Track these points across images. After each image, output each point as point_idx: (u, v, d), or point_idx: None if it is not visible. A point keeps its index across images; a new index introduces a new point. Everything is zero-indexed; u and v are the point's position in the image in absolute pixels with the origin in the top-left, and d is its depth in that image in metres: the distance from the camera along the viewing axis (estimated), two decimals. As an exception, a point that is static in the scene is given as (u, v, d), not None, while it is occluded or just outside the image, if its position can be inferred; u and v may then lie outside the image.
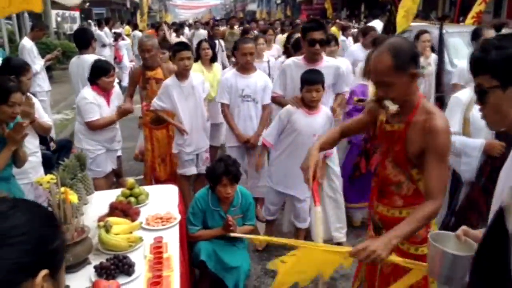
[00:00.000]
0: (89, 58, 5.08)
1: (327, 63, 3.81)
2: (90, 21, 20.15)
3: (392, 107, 2.00)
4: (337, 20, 13.98)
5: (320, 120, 3.57)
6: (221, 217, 3.16)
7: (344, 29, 12.24)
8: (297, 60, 3.89)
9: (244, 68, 4.29)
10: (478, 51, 1.40)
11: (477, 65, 1.40)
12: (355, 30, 12.98)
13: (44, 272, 0.92)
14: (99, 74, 4.04)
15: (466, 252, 1.50)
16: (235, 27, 12.44)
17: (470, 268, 1.36)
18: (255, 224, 3.47)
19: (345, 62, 4.97)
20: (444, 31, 5.79)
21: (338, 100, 3.93)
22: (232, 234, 2.86)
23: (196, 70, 4.91)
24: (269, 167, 3.99)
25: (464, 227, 1.58)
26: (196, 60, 5.26)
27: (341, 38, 11.82)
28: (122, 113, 4.17)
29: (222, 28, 12.98)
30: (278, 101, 4.00)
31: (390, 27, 7.29)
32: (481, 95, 1.39)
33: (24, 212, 0.96)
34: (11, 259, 0.88)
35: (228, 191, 3.10)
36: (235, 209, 3.24)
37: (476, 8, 7.72)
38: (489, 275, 1.19)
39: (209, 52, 5.30)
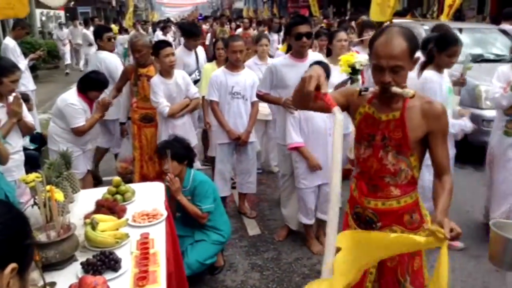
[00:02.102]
0: (107, 55, 5.35)
1: (312, 57, 3.85)
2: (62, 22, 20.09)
3: (410, 92, 1.98)
4: (324, 20, 14.05)
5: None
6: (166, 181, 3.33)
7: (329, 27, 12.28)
8: (283, 58, 3.93)
9: (233, 65, 4.31)
10: None
11: None
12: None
13: (13, 265, 0.93)
14: (93, 87, 4.05)
15: None
16: (226, 25, 12.44)
17: None
18: (206, 212, 3.37)
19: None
20: (427, 27, 5.88)
21: None
22: (178, 197, 3.25)
23: (210, 70, 4.89)
24: (295, 170, 3.84)
25: None
26: (211, 60, 5.27)
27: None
28: (102, 107, 4.16)
29: (205, 26, 12.98)
30: (264, 99, 4.05)
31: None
32: None
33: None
34: None
35: (164, 166, 3.31)
36: (185, 190, 3.37)
37: (448, 0, 7.72)
38: None
39: (223, 52, 5.10)
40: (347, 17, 13.84)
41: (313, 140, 3.69)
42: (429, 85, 3.49)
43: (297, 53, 3.77)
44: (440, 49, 3.53)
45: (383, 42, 1.96)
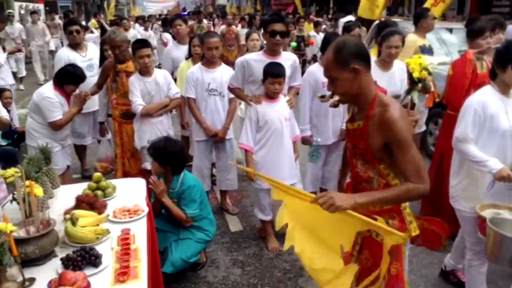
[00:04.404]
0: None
1: (285, 56, 3.92)
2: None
3: (330, 101, 2.06)
4: (310, 16, 14.08)
5: (283, 105, 3.77)
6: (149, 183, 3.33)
7: (316, 25, 12.33)
8: (256, 54, 3.96)
9: (210, 62, 4.30)
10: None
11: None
12: (325, 26, 13.12)
13: None
14: (69, 81, 3.99)
15: None
16: (204, 21, 12.34)
17: None
18: (190, 217, 3.38)
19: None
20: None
21: (293, 92, 4.10)
22: (163, 199, 3.27)
23: (185, 68, 4.80)
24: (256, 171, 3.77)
25: None
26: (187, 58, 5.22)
27: (311, 33, 11.97)
28: (80, 100, 4.11)
29: (191, 22, 12.84)
30: (235, 93, 4.09)
31: (363, 23, 7.38)
32: None
33: None
34: None
35: (153, 170, 3.41)
36: (172, 192, 3.38)
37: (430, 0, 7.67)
38: None
39: (199, 49, 4.99)
40: (329, 16, 13.91)
41: (271, 142, 3.70)
42: None
43: (270, 51, 3.83)
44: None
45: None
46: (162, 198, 3.27)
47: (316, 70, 4.09)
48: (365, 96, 2.04)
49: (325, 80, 3.92)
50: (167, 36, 10.27)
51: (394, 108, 1.98)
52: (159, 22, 16.00)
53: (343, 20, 9.80)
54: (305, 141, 4.22)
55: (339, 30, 9.53)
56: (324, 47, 4.06)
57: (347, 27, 5.64)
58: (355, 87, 2.01)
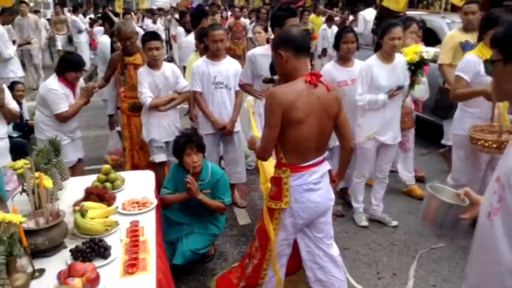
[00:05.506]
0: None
1: None
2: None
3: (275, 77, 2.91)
4: (319, 7, 13.70)
5: None
6: (186, 182, 3.23)
7: (328, 19, 11.88)
8: (264, 49, 3.92)
9: (215, 55, 4.26)
10: (499, 28, 1.56)
11: (493, 39, 1.56)
12: (338, 18, 12.79)
13: None
14: (69, 68, 3.96)
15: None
16: (217, 14, 12.22)
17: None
18: (228, 204, 3.47)
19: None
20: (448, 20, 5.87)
21: None
22: (199, 197, 3.20)
23: (194, 61, 4.65)
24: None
25: (467, 189, 1.84)
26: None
27: (322, 27, 11.69)
28: (88, 93, 4.10)
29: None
30: (245, 89, 4.07)
31: (384, 12, 7.27)
32: (488, 66, 1.57)
33: None
34: None
35: (194, 159, 3.24)
36: (203, 183, 3.33)
37: None
38: None
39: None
40: (337, 8, 13.64)
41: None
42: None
43: None
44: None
45: None
46: (199, 196, 3.23)
47: (331, 68, 4.04)
48: (291, 78, 2.45)
49: (342, 79, 3.99)
50: (179, 30, 10.07)
51: (272, 89, 2.53)
52: (171, 16, 15.80)
53: (363, 13, 9.55)
54: None
55: (360, 23, 9.37)
56: (337, 43, 4.02)
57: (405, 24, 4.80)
58: (284, 69, 2.47)
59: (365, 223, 4.18)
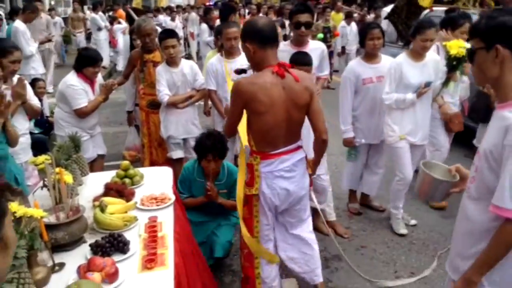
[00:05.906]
0: None
1: (313, 45, 3.81)
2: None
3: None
4: (338, 4, 13.53)
5: None
6: (206, 189, 3.29)
7: (348, 16, 11.79)
8: (283, 45, 3.89)
9: (229, 52, 4.24)
10: (477, 20, 1.71)
11: (473, 29, 1.69)
12: (356, 15, 12.64)
13: None
14: (86, 63, 4.00)
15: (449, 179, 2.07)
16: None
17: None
18: None
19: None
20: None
21: (321, 82, 3.97)
22: (219, 201, 3.29)
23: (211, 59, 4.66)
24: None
25: (459, 165, 2.07)
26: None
27: (341, 24, 11.60)
28: (107, 90, 4.13)
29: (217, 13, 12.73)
30: None
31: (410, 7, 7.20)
32: (471, 55, 1.69)
33: None
34: None
35: (212, 166, 3.28)
36: (220, 183, 3.36)
37: None
38: None
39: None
40: (355, 5, 13.44)
41: None
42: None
43: (296, 41, 3.77)
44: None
45: None
46: (218, 200, 3.32)
47: (356, 65, 3.99)
48: (260, 69, 2.52)
49: (367, 76, 3.95)
50: (203, 27, 9.89)
51: (236, 80, 2.56)
52: (188, 13, 15.82)
53: (386, 10, 9.46)
54: (348, 143, 4.12)
55: (383, 21, 9.27)
56: (362, 39, 3.96)
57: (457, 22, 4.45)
58: (252, 61, 2.56)
59: (404, 230, 4.01)
